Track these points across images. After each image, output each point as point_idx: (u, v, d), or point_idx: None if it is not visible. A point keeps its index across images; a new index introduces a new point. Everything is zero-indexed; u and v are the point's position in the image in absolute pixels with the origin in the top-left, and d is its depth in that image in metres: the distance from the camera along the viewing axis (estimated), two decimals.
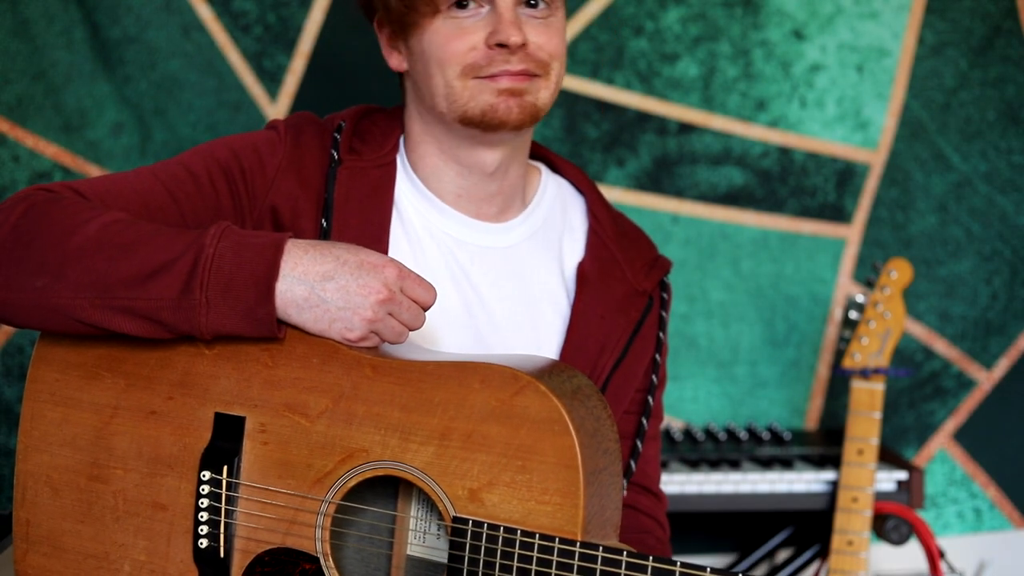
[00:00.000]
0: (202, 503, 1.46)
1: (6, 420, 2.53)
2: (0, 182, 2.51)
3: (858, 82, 2.72)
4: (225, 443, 1.45)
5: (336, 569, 1.42)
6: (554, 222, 1.72)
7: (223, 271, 1.40)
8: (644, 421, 1.72)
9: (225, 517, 1.45)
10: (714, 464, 2.52)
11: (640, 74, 2.69)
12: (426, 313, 1.55)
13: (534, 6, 1.58)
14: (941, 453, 2.79)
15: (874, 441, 2.44)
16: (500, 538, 1.33)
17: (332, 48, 2.60)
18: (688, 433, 2.64)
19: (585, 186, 1.76)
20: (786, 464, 2.54)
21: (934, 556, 2.51)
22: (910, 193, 2.75)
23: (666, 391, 1.85)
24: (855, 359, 2.49)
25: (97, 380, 1.50)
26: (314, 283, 1.41)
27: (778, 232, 2.75)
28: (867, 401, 2.47)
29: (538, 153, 1.79)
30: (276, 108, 2.61)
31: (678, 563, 1.28)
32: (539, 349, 1.65)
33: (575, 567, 1.31)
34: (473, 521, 1.35)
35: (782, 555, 2.72)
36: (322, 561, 1.42)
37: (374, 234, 1.61)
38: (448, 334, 1.63)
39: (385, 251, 1.61)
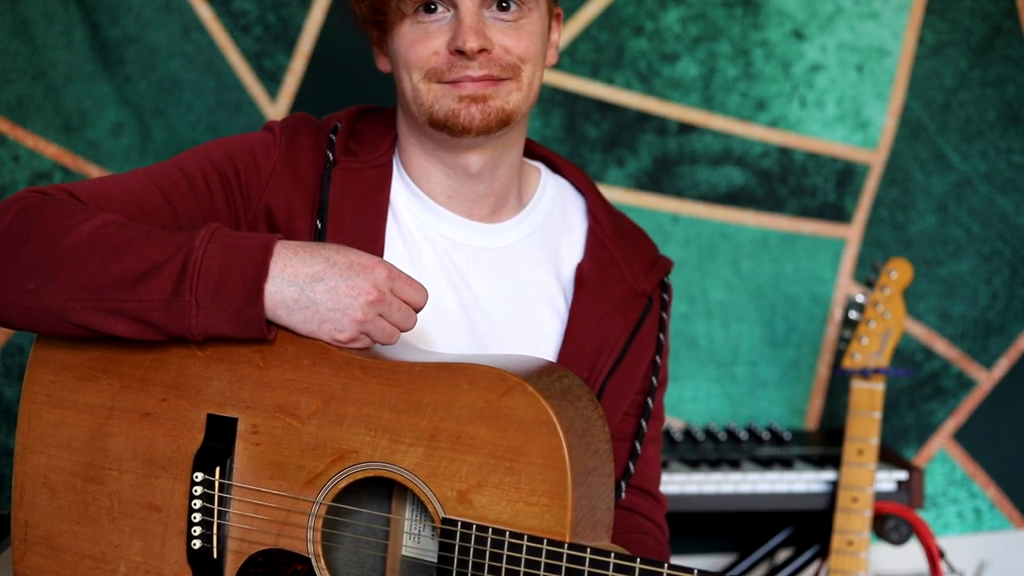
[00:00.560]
0: (195, 504, 1.46)
1: (6, 420, 2.53)
2: (0, 182, 2.51)
3: (858, 82, 2.72)
4: (217, 444, 1.46)
5: (328, 570, 1.42)
6: (553, 223, 1.71)
7: (212, 273, 1.40)
8: (643, 423, 1.72)
9: (218, 518, 1.45)
10: (714, 464, 2.52)
11: (640, 74, 2.69)
12: (422, 314, 1.56)
13: (505, 8, 1.56)
14: (941, 453, 2.79)
15: (874, 441, 2.44)
16: (489, 540, 1.33)
17: (332, 48, 2.60)
18: (688, 433, 2.64)
19: (585, 187, 1.75)
20: (786, 464, 2.54)
21: (934, 556, 2.51)
22: (910, 193, 2.75)
23: (666, 391, 1.83)
24: (855, 359, 2.49)
25: (92, 382, 1.51)
26: (303, 284, 1.41)
27: (778, 232, 2.75)
28: (867, 401, 2.47)
29: (538, 153, 1.78)
30: (276, 108, 2.61)
31: (665, 565, 1.28)
32: (536, 350, 1.65)
33: (563, 568, 1.31)
34: (462, 523, 1.35)
35: (782, 555, 2.72)
36: (313, 562, 1.42)
37: (370, 235, 1.61)
38: (444, 335, 1.62)
39: (380, 252, 1.61)
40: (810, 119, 2.73)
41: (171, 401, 1.48)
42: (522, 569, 1.33)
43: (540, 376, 1.38)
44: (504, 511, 1.33)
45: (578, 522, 1.33)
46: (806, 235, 2.75)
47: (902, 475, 2.50)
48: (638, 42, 2.68)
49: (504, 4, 1.56)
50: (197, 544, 1.46)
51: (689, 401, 2.74)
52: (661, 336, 1.73)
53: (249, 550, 1.44)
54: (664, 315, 1.74)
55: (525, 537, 1.32)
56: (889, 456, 2.59)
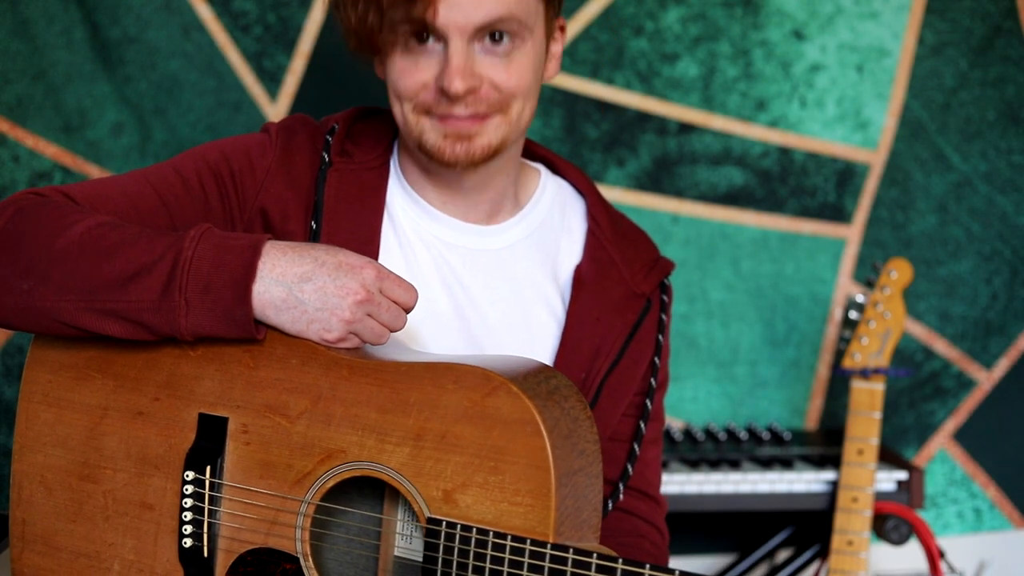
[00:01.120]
0: (186, 503, 1.47)
1: (6, 420, 2.54)
2: (0, 182, 2.51)
3: (858, 82, 2.72)
4: (208, 443, 1.46)
5: (317, 570, 1.42)
6: (551, 224, 1.71)
7: (201, 273, 1.40)
8: (642, 425, 1.71)
9: (208, 517, 1.46)
10: (714, 464, 2.52)
11: (640, 74, 2.69)
12: (418, 316, 1.56)
13: (497, 41, 1.52)
14: (941, 453, 2.79)
15: (874, 441, 2.44)
16: (473, 539, 1.33)
17: (332, 48, 2.60)
18: (688, 433, 2.64)
19: (585, 188, 1.74)
20: (786, 464, 2.54)
21: (934, 556, 2.51)
22: (910, 193, 2.75)
23: (667, 391, 1.83)
24: (855, 359, 2.49)
25: (87, 381, 1.52)
26: (292, 284, 1.41)
27: (778, 232, 2.75)
28: (867, 401, 2.47)
29: (539, 154, 1.77)
30: (276, 108, 2.61)
31: (647, 565, 1.28)
32: (532, 352, 1.64)
33: (546, 569, 1.31)
34: (447, 522, 1.35)
35: (782, 555, 2.72)
36: (302, 561, 1.42)
37: (365, 236, 1.61)
38: (440, 338, 1.62)
39: (375, 254, 1.61)
40: (810, 119, 2.73)
41: (164, 400, 1.49)
42: (505, 569, 1.32)
43: (526, 376, 1.37)
44: (489, 511, 1.33)
45: (562, 522, 1.33)
46: (806, 235, 2.75)
47: (902, 475, 2.50)
48: (638, 42, 2.68)
49: (496, 36, 1.51)
50: (188, 543, 1.47)
51: (689, 401, 2.74)
52: (660, 337, 1.72)
53: (239, 549, 1.45)
54: (663, 316, 1.73)
55: (509, 537, 1.32)
56: (889, 456, 2.59)
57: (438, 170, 1.60)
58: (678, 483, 2.45)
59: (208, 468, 1.46)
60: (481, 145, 1.54)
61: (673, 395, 2.71)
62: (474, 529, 1.33)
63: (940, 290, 2.76)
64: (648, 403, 1.71)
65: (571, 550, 1.29)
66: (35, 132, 2.52)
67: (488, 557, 1.32)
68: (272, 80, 2.60)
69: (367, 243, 1.61)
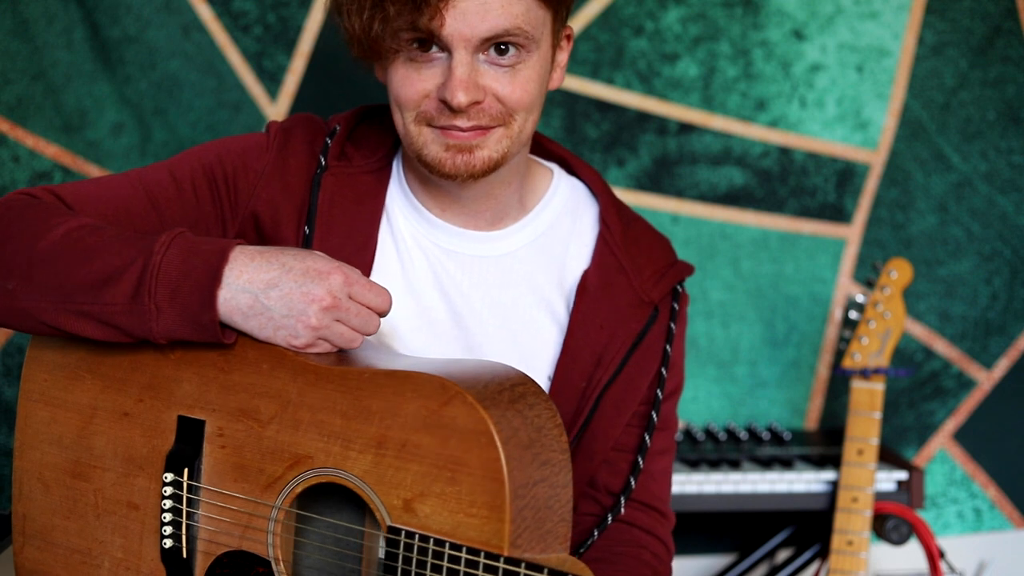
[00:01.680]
0: (165, 504, 1.48)
1: (6, 420, 2.54)
2: (0, 182, 2.51)
3: (858, 82, 2.72)
4: (186, 446, 1.47)
5: (288, 574, 1.43)
6: (560, 228, 1.68)
7: (170, 278, 1.41)
8: (646, 437, 1.67)
9: (187, 519, 1.47)
10: (714, 464, 2.52)
11: (640, 74, 2.69)
12: (414, 324, 1.56)
13: (503, 52, 1.50)
14: (941, 453, 2.79)
15: (874, 441, 2.44)
16: (430, 550, 1.33)
17: (332, 48, 2.60)
18: (688, 433, 2.64)
19: (600, 190, 1.70)
20: (786, 464, 2.54)
21: (934, 556, 2.51)
22: (910, 193, 2.75)
23: (680, 397, 1.79)
24: (855, 359, 2.49)
25: (79, 381, 1.55)
26: (258, 291, 1.41)
27: (778, 232, 2.75)
28: (867, 401, 2.47)
29: (555, 153, 1.74)
30: (276, 108, 2.61)
31: None
32: (532, 359, 1.63)
33: None
34: (406, 531, 1.34)
35: (782, 555, 2.72)
36: (273, 565, 1.43)
37: (360, 241, 1.60)
38: (436, 345, 1.61)
39: (370, 259, 1.60)
40: (810, 119, 2.73)
41: (147, 402, 1.50)
42: None
43: (488, 384, 1.36)
44: (446, 521, 1.33)
45: (519, 535, 1.31)
46: (806, 235, 2.75)
47: (902, 475, 2.50)
48: (638, 42, 2.68)
49: (502, 47, 1.49)
50: (168, 543, 1.48)
51: (689, 401, 2.74)
52: (667, 348, 1.67)
53: (216, 551, 1.46)
54: (672, 325, 1.68)
55: (464, 549, 1.31)
56: (889, 456, 2.59)
57: (438, 180, 1.59)
58: (678, 483, 2.45)
59: (186, 470, 1.47)
60: (482, 158, 1.52)
61: None
62: (431, 539, 1.33)
63: (940, 290, 2.76)
64: (653, 414, 1.67)
65: (523, 564, 1.28)
66: (35, 132, 2.52)
67: (444, 569, 1.32)
68: (272, 80, 2.60)
69: (362, 249, 1.60)
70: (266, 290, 1.41)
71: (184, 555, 1.48)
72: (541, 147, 1.73)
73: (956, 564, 2.70)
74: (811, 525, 2.63)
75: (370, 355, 1.46)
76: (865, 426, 2.45)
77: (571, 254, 1.67)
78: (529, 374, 1.59)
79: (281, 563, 1.43)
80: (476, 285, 1.62)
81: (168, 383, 1.49)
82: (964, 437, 2.79)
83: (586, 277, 1.64)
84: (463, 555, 1.31)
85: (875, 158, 2.74)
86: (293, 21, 2.60)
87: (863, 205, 2.75)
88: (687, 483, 2.45)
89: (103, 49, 2.53)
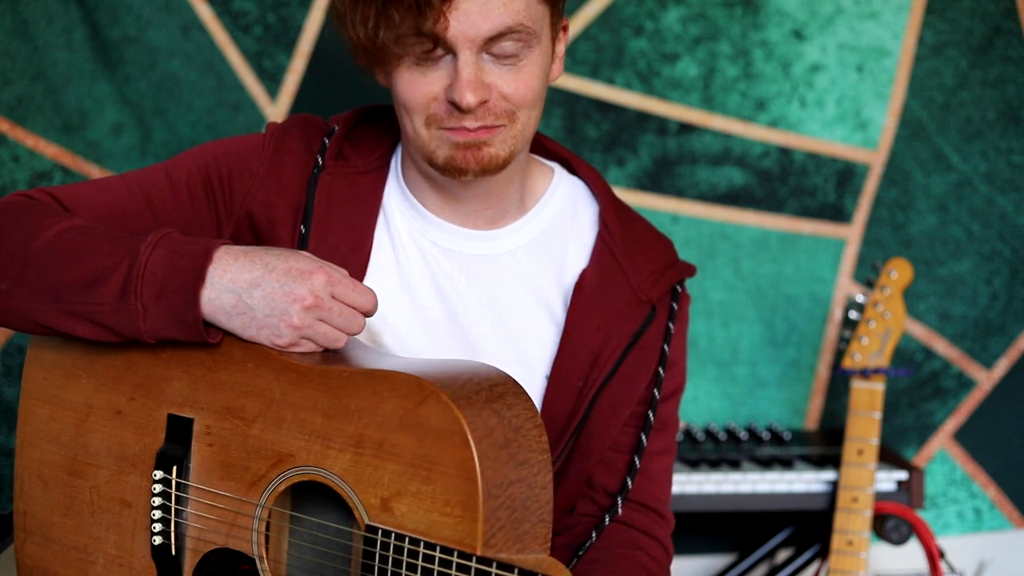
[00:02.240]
0: (155, 502, 1.49)
1: (6, 420, 2.54)
2: (0, 182, 2.51)
3: (858, 82, 2.72)
4: (176, 444, 1.49)
5: (283, 571, 1.44)
6: (559, 228, 1.67)
7: (155, 278, 1.42)
8: (643, 437, 1.67)
9: (175, 516, 1.49)
10: (714, 464, 2.52)
11: (640, 74, 2.69)
12: (410, 324, 1.56)
13: (507, 49, 1.50)
14: (941, 453, 2.79)
15: (874, 441, 2.44)
16: (405, 549, 1.33)
17: (332, 48, 2.60)
18: (688, 433, 2.64)
19: (600, 190, 1.70)
20: (786, 464, 2.54)
21: (934, 556, 2.51)
22: (910, 193, 2.75)
23: (681, 397, 1.78)
24: (855, 359, 2.49)
25: (75, 380, 1.57)
26: (242, 291, 1.41)
27: (778, 232, 2.75)
28: (867, 401, 2.47)
29: (556, 152, 1.74)
30: (276, 108, 2.61)
31: None
32: (529, 358, 1.62)
33: None
34: (382, 530, 1.35)
35: (782, 555, 2.72)
36: (257, 563, 1.44)
37: (356, 240, 1.60)
38: (432, 344, 1.61)
39: (366, 259, 1.60)
40: (810, 119, 2.73)
41: (139, 400, 1.52)
42: None
43: (465, 384, 1.36)
44: (421, 520, 1.33)
45: (492, 534, 1.31)
46: (806, 235, 2.75)
47: (902, 475, 2.50)
48: (638, 42, 2.68)
49: (505, 45, 1.50)
50: (157, 540, 1.50)
51: (689, 401, 2.74)
52: (665, 347, 1.67)
53: (204, 548, 1.47)
54: (671, 325, 1.68)
55: (438, 548, 1.31)
56: (889, 456, 2.59)
57: (443, 179, 1.59)
58: (678, 483, 2.45)
59: (175, 468, 1.48)
60: (490, 154, 1.53)
61: None
62: (407, 539, 1.33)
63: (940, 290, 2.76)
64: (650, 414, 1.67)
65: (495, 564, 1.28)
66: (35, 132, 2.52)
67: (419, 568, 1.32)
68: (272, 80, 2.60)
69: (358, 248, 1.60)
70: (249, 289, 1.41)
71: (173, 552, 1.49)
72: (542, 147, 1.73)
73: (956, 564, 2.70)
74: (811, 525, 2.63)
75: (353, 354, 1.47)
76: (865, 426, 2.45)
77: (570, 253, 1.67)
78: (526, 373, 1.60)
79: (266, 561, 1.44)
80: (473, 284, 1.62)
81: (159, 382, 1.51)
82: (964, 437, 2.79)
83: (584, 277, 1.64)
84: (437, 554, 1.31)
85: (875, 158, 2.74)
86: (293, 21, 2.60)
87: (863, 205, 2.75)
88: (687, 483, 2.45)
89: (103, 49, 2.53)
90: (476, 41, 1.47)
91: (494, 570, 1.28)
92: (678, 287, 1.70)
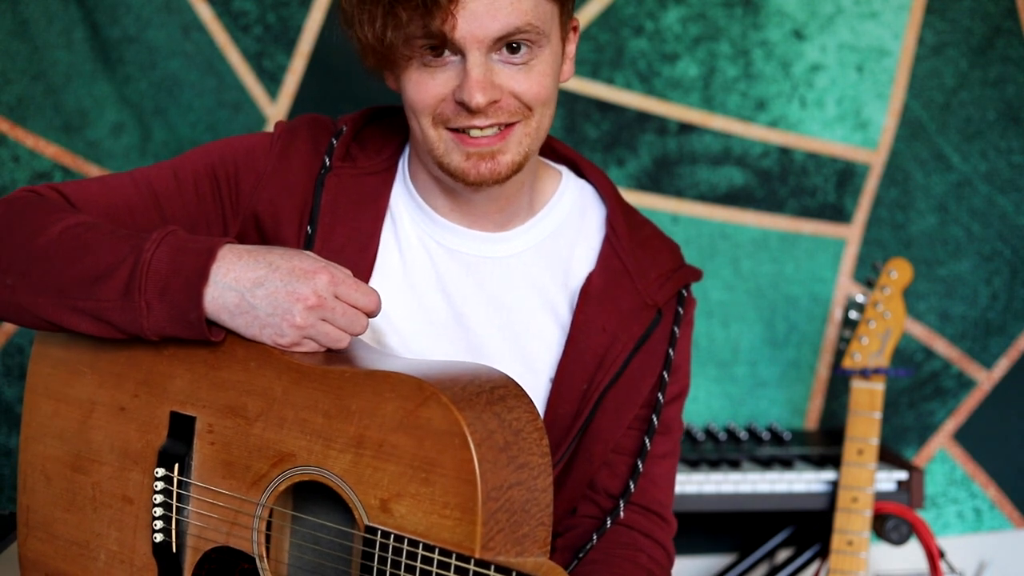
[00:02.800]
0: (156, 499, 1.49)
1: (6, 420, 2.53)
2: (0, 182, 2.51)
3: (858, 82, 2.72)
4: (178, 442, 1.49)
5: (272, 572, 1.44)
6: (566, 231, 1.67)
7: (159, 276, 1.42)
8: (647, 440, 1.66)
9: (176, 514, 1.49)
10: (714, 464, 2.52)
11: (640, 74, 2.69)
12: (416, 325, 1.56)
13: (515, 50, 1.49)
14: (941, 453, 2.79)
15: (874, 441, 2.44)
16: (404, 550, 1.33)
17: (332, 48, 2.60)
18: (688, 433, 2.64)
19: (607, 193, 1.69)
20: (786, 464, 2.54)
21: (934, 556, 2.51)
22: (910, 193, 2.75)
23: (685, 400, 1.78)
24: (855, 359, 2.48)
25: (79, 376, 1.57)
26: (244, 290, 1.41)
27: (778, 232, 2.75)
28: (867, 401, 2.47)
29: (564, 155, 1.73)
30: (276, 108, 2.61)
31: None
32: (534, 361, 1.62)
33: None
34: (382, 531, 1.35)
35: (782, 555, 2.72)
36: (257, 562, 1.44)
37: (362, 242, 1.59)
38: (438, 346, 1.61)
39: (372, 260, 1.60)
40: (810, 119, 2.73)
41: (142, 397, 1.52)
42: None
43: (466, 386, 1.36)
44: (420, 522, 1.33)
45: (491, 537, 1.31)
46: (806, 235, 2.75)
47: (902, 475, 2.50)
48: (638, 42, 2.68)
49: (514, 46, 1.49)
50: (159, 538, 1.50)
51: (689, 401, 2.72)
52: (670, 351, 1.66)
53: (205, 547, 1.48)
54: (676, 329, 1.67)
55: (436, 550, 1.31)
56: (889, 456, 2.59)
57: (451, 183, 1.58)
58: (678, 483, 2.45)
59: (176, 466, 1.49)
60: (506, 163, 1.52)
61: None
62: (405, 540, 1.33)
63: (940, 290, 2.76)
64: (654, 418, 1.66)
65: (492, 567, 1.28)
66: (35, 132, 2.52)
67: (418, 569, 1.32)
68: (272, 80, 2.60)
69: (364, 249, 1.59)
70: (252, 288, 1.41)
71: (174, 550, 1.49)
72: (551, 149, 1.73)
73: (956, 564, 2.70)
74: (811, 525, 2.63)
75: (356, 354, 1.47)
76: (865, 426, 2.45)
77: (576, 256, 1.66)
78: (530, 375, 1.59)
79: (266, 560, 1.44)
80: (479, 286, 1.62)
81: (162, 379, 1.51)
82: (964, 437, 2.79)
83: (590, 280, 1.63)
84: (435, 556, 1.31)
85: (875, 158, 2.75)
86: (293, 21, 2.60)
87: (863, 205, 2.75)
88: (687, 483, 2.45)
89: (103, 49, 2.53)
90: (485, 42, 1.47)
91: (492, 573, 1.28)
92: (684, 291, 1.70)
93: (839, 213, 2.75)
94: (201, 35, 2.56)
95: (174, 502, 1.49)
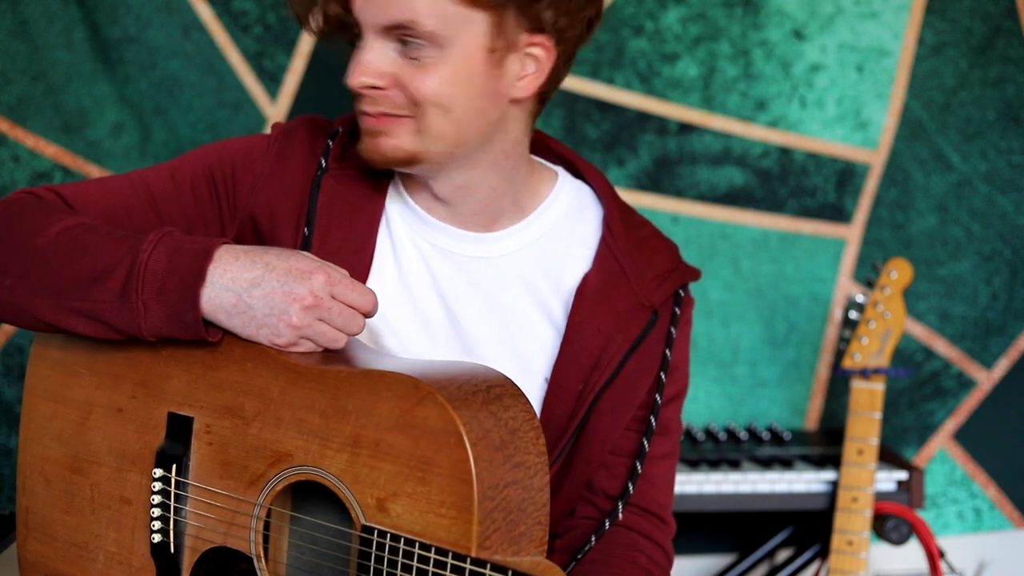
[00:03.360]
0: (154, 500, 1.50)
1: (6, 420, 2.53)
2: (0, 182, 2.51)
3: (858, 82, 2.72)
4: (176, 442, 1.49)
5: (271, 572, 1.45)
6: (561, 232, 1.65)
7: (156, 276, 1.42)
8: (645, 442, 1.65)
9: (174, 514, 1.49)
10: (714, 464, 2.52)
11: (640, 74, 2.69)
12: (412, 327, 1.55)
13: (407, 44, 1.47)
14: (941, 453, 2.79)
15: (874, 441, 2.44)
16: (401, 550, 1.33)
17: (332, 48, 2.59)
18: (688, 433, 2.64)
19: (605, 193, 1.67)
20: (786, 464, 2.54)
21: (934, 556, 2.51)
22: (910, 193, 2.75)
23: (684, 400, 1.76)
24: (855, 359, 2.49)
25: (77, 377, 1.57)
26: (241, 290, 1.41)
27: (778, 232, 2.75)
28: (867, 401, 2.47)
29: (563, 155, 1.71)
30: (276, 108, 2.61)
31: None
32: (530, 362, 1.61)
33: None
34: (378, 531, 1.35)
35: (782, 555, 2.73)
36: (255, 562, 1.44)
37: (358, 243, 1.59)
38: (433, 347, 1.60)
39: (368, 261, 1.60)
40: (810, 119, 2.73)
41: (140, 398, 1.52)
42: None
43: (462, 385, 1.36)
44: (417, 521, 1.33)
45: (487, 536, 1.31)
46: (806, 235, 2.75)
47: (902, 475, 2.50)
48: (638, 42, 2.68)
49: (407, 40, 1.47)
50: (157, 539, 1.50)
51: (689, 401, 2.72)
52: (667, 352, 1.65)
53: (203, 547, 1.48)
54: (673, 329, 1.66)
55: (432, 550, 1.31)
56: (889, 456, 2.59)
57: (420, 177, 1.59)
58: (678, 483, 2.45)
59: (174, 466, 1.49)
60: (390, 145, 1.51)
61: None
62: (402, 539, 1.33)
63: (940, 290, 2.76)
64: (652, 419, 1.65)
65: (488, 565, 1.28)
66: (35, 132, 2.52)
67: (414, 569, 1.32)
68: (272, 80, 2.60)
69: (360, 251, 1.59)
70: (249, 289, 1.41)
71: (172, 550, 1.49)
72: (547, 148, 1.72)
73: (956, 564, 2.70)
74: (811, 525, 2.63)
75: (353, 355, 1.47)
76: (865, 426, 2.45)
77: (572, 256, 1.65)
78: (525, 376, 1.59)
79: (263, 560, 1.44)
80: (472, 286, 1.61)
81: (159, 380, 1.51)
82: (964, 437, 2.79)
83: (585, 281, 1.63)
84: (431, 555, 1.31)
85: (875, 158, 2.75)
86: (293, 21, 2.59)
87: (863, 205, 2.75)
88: (687, 483, 2.45)
89: (103, 49, 2.53)
90: (376, 28, 1.47)
91: (488, 572, 1.28)
92: (681, 291, 1.69)
93: (839, 213, 2.75)
94: (201, 35, 2.56)
95: (172, 502, 1.49)
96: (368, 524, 1.36)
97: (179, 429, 1.49)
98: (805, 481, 2.49)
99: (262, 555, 1.44)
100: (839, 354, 2.59)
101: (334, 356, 1.45)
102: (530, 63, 1.53)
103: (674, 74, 2.69)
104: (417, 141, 1.51)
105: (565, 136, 2.68)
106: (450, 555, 1.30)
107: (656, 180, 2.71)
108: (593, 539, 1.64)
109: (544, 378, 1.62)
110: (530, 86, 1.54)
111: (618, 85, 2.69)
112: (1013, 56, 2.73)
